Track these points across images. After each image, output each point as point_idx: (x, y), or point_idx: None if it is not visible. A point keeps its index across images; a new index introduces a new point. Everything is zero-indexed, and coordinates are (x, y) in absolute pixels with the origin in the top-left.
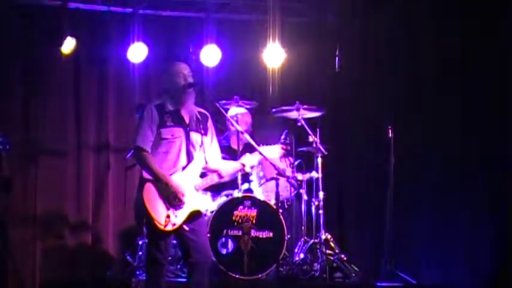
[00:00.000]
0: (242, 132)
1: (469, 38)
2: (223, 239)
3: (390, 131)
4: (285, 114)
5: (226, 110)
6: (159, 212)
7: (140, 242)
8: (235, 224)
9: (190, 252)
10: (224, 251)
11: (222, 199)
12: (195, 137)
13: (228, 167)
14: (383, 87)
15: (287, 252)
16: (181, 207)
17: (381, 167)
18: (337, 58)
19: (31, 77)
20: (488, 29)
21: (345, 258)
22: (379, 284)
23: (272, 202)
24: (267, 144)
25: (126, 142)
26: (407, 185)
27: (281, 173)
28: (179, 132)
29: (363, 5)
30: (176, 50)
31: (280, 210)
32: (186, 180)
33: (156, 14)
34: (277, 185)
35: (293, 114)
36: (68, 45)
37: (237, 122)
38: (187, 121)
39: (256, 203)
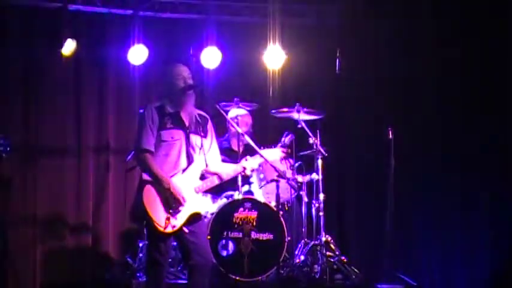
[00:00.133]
0: (243, 134)
1: (469, 38)
2: (224, 241)
3: (390, 132)
4: (285, 116)
5: (227, 112)
6: (159, 214)
7: (140, 244)
8: (236, 226)
9: (190, 254)
10: (224, 253)
11: (222, 201)
12: (195, 139)
13: (229, 170)
14: (383, 89)
15: (287, 254)
16: (180, 210)
17: (381, 169)
18: (337, 60)
19: (31, 78)
20: (488, 29)
21: (345, 260)
22: (379, 286)
23: (272, 204)
24: (267, 146)
25: (126, 144)
26: (408, 187)
27: (281, 175)
28: (179, 134)
29: (362, 7)
30: (176, 52)
31: (281, 212)
32: (186, 182)
33: (157, 16)
34: (277, 187)
35: (293, 116)
36: (68, 47)
37: (237, 123)
38: (187, 123)
39: (256, 205)
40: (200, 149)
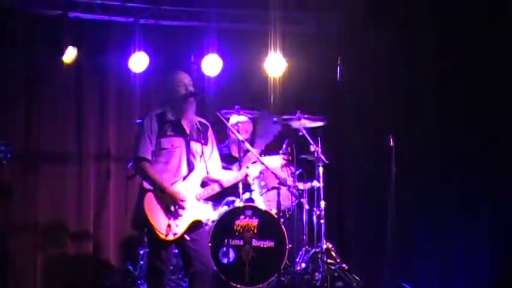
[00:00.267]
0: (243, 141)
1: (468, 49)
2: (225, 249)
3: (391, 140)
4: (286, 123)
5: (227, 119)
6: (160, 221)
7: (141, 252)
8: (237, 233)
9: (191, 262)
10: (225, 261)
11: (223, 208)
12: (196, 146)
13: (230, 177)
14: (384, 96)
15: (288, 261)
16: (181, 216)
17: (382, 176)
18: (338, 68)
19: (33, 85)
20: (487, 39)
21: (346, 268)
22: None
23: (273, 211)
24: (268, 153)
25: (127, 151)
26: (409, 194)
27: (282, 183)
28: (179, 142)
29: (362, 17)
30: (177, 60)
31: (282, 220)
32: (187, 190)
33: (157, 23)
34: (278, 195)
35: (294, 124)
36: (69, 54)
37: (238, 130)
38: (187, 131)
39: (257, 212)
40: (201, 156)
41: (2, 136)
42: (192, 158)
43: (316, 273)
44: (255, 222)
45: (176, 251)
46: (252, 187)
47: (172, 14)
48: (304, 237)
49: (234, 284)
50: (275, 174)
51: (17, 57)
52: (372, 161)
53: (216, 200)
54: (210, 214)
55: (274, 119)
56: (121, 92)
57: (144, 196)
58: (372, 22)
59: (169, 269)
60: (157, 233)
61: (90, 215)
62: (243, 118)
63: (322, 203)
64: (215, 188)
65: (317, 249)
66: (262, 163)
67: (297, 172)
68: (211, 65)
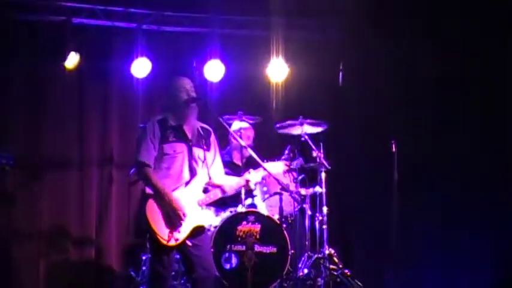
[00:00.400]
0: (245, 147)
1: (469, 54)
2: (227, 254)
3: (393, 145)
4: (288, 129)
5: (229, 125)
6: (162, 227)
7: (144, 257)
8: (239, 239)
9: (193, 268)
10: (228, 266)
11: (225, 214)
12: (198, 152)
13: (232, 183)
14: (386, 101)
15: (291, 267)
16: (181, 225)
17: (384, 182)
18: (340, 73)
19: (35, 91)
20: (488, 46)
21: (348, 273)
22: None
23: (276, 217)
24: (270, 159)
25: (129, 157)
26: (411, 200)
27: (285, 188)
28: (181, 147)
29: (365, 21)
30: (180, 65)
31: (284, 225)
32: (189, 195)
33: (160, 29)
34: (280, 200)
35: (297, 129)
36: (72, 60)
37: (240, 136)
38: (189, 136)
39: (259, 218)
40: (203, 162)
41: (5, 143)
42: (194, 164)
43: (319, 279)
44: (257, 227)
45: (178, 256)
46: (254, 193)
47: (175, 19)
48: (307, 242)
49: None
50: (277, 180)
51: (20, 62)
52: (374, 167)
53: (218, 205)
54: (212, 220)
55: (277, 125)
56: (123, 97)
57: (146, 202)
58: (374, 27)
59: (171, 275)
60: (159, 238)
61: (93, 221)
62: (245, 124)
63: (325, 209)
64: (217, 194)
65: (319, 255)
66: (264, 169)
67: (300, 177)
68: (214, 70)
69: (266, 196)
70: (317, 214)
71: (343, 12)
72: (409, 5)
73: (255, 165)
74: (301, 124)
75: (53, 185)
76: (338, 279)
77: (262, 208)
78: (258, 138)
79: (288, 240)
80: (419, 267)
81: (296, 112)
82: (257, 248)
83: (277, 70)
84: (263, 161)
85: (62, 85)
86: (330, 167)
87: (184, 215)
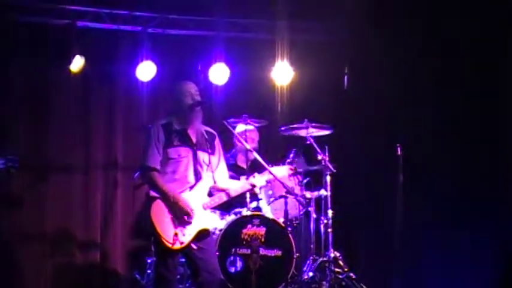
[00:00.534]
0: (251, 150)
1: (474, 56)
2: (232, 258)
3: (399, 149)
4: (293, 132)
5: (234, 128)
6: (167, 230)
7: (149, 260)
8: (244, 242)
9: (198, 271)
10: (233, 270)
11: (230, 217)
12: (203, 156)
13: (237, 187)
14: (392, 104)
15: (296, 270)
16: (190, 222)
17: (390, 185)
18: (345, 76)
19: (40, 95)
20: (491, 48)
21: (353, 277)
22: None
23: (281, 220)
24: (274, 163)
25: (134, 160)
26: (416, 203)
27: (290, 191)
28: (186, 151)
29: (370, 23)
30: (185, 69)
31: (289, 229)
32: (194, 199)
33: (165, 32)
34: (285, 203)
35: (302, 133)
36: (77, 63)
37: (245, 139)
38: (194, 140)
39: (264, 221)
40: (208, 166)
41: (10, 146)
42: (199, 168)
43: (324, 282)
44: (262, 231)
45: (183, 259)
46: (260, 196)
47: (180, 23)
48: (312, 246)
49: None
50: (282, 183)
51: (26, 65)
52: (379, 170)
53: (223, 209)
54: (217, 223)
55: (282, 128)
56: (128, 101)
57: (151, 205)
58: (379, 30)
59: (176, 278)
60: (164, 241)
61: (98, 224)
62: (249, 127)
63: (330, 212)
64: (222, 198)
65: (324, 258)
66: (270, 172)
67: (305, 181)
68: (219, 73)
69: (271, 199)
70: (322, 217)
71: (347, 15)
72: (412, 6)
73: (260, 168)
74: (307, 127)
75: (58, 188)
76: (343, 283)
77: (267, 211)
78: (263, 141)
79: (293, 243)
80: (425, 270)
81: (301, 115)
82: (262, 251)
83: (282, 73)
84: (268, 164)
85: (67, 88)
86: (335, 170)
87: (192, 210)
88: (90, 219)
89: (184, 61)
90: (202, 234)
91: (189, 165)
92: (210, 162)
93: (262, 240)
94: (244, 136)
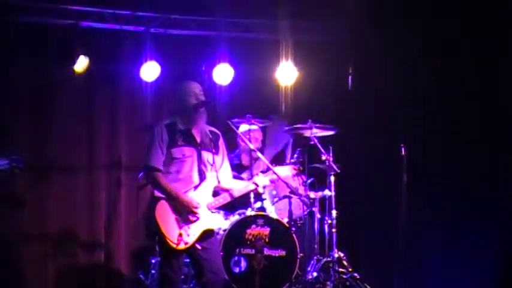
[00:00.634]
0: (254, 150)
1: (480, 57)
2: (236, 258)
3: (403, 149)
4: (297, 132)
5: (238, 128)
6: (172, 230)
7: (153, 261)
8: (248, 242)
9: (202, 271)
10: (237, 270)
11: (234, 217)
12: (207, 156)
13: (241, 187)
14: (395, 104)
15: (300, 270)
16: (195, 221)
17: (394, 186)
18: (349, 77)
19: (44, 95)
20: (491, 48)
21: (357, 277)
22: None
23: (285, 220)
24: (278, 163)
25: (138, 160)
26: (420, 204)
27: (294, 192)
28: (190, 151)
29: (373, 23)
30: (188, 69)
31: (293, 229)
32: (199, 199)
33: (168, 32)
34: (290, 204)
35: (306, 133)
36: (81, 63)
37: (249, 139)
38: (198, 140)
39: (269, 221)
40: (212, 165)
41: (14, 146)
42: (203, 168)
43: (328, 283)
44: (266, 231)
45: (188, 260)
46: (264, 196)
47: (183, 23)
48: (316, 246)
49: None
50: (286, 184)
51: (29, 66)
52: (383, 170)
53: (227, 209)
54: (221, 223)
55: (285, 127)
56: (132, 101)
57: (155, 205)
58: (380, 30)
59: (180, 278)
60: (169, 241)
61: (102, 225)
62: (253, 127)
63: (334, 212)
64: (226, 198)
65: (328, 259)
66: (274, 172)
67: (309, 181)
68: (223, 74)
69: (275, 199)
70: (326, 217)
71: (351, 15)
72: (412, 5)
73: (265, 170)
74: (311, 127)
75: (62, 188)
76: (347, 283)
77: (272, 211)
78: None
79: (297, 243)
80: (427, 270)
81: (305, 115)
82: (266, 252)
83: (286, 73)
84: (272, 164)
85: (70, 89)
86: (339, 171)
87: (197, 203)
88: (94, 220)
89: (188, 61)
90: (207, 235)
91: (193, 165)
92: (214, 162)
93: (267, 240)
94: (248, 136)
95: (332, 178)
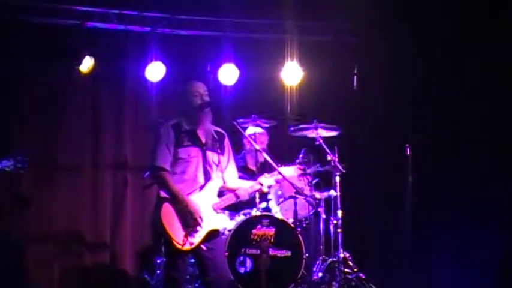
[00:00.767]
0: (260, 151)
1: (485, 57)
2: (242, 258)
3: (408, 149)
4: (303, 132)
5: (244, 129)
6: (177, 231)
7: (158, 261)
8: (253, 242)
9: (207, 271)
10: (242, 270)
11: (240, 218)
12: (212, 156)
13: (246, 187)
14: (400, 105)
15: (305, 271)
16: (198, 230)
17: (399, 186)
18: (354, 77)
19: (49, 95)
20: (503, 48)
21: (363, 277)
22: None
23: (290, 221)
24: (284, 164)
25: (143, 161)
26: (426, 204)
27: (299, 192)
28: (196, 152)
29: (379, 25)
30: (194, 69)
31: (298, 229)
32: (204, 199)
33: (174, 33)
34: (295, 204)
35: (311, 133)
36: (86, 64)
37: (254, 140)
38: (203, 140)
39: (274, 221)
40: (217, 166)
41: (19, 146)
42: (208, 168)
43: (333, 283)
44: (271, 231)
45: (193, 260)
46: (269, 196)
47: (189, 23)
48: (321, 246)
49: None
50: (292, 184)
51: (35, 66)
52: (388, 170)
53: (233, 209)
54: (226, 223)
55: (291, 129)
56: (138, 101)
57: (161, 205)
58: (388, 31)
59: (186, 278)
60: (174, 242)
61: (107, 225)
62: (259, 129)
63: (339, 212)
64: (232, 198)
65: (334, 259)
66: (279, 173)
67: (314, 181)
68: (228, 74)
69: (281, 200)
70: (331, 218)
71: (357, 16)
72: (421, 7)
73: (270, 170)
74: (316, 128)
75: (68, 188)
76: (353, 283)
77: (277, 212)
78: (272, 142)
79: (303, 244)
80: (435, 272)
81: (310, 116)
82: (271, 252)
83: (292, 73)
84: (277, 165)
85: (76, 89)
86: (344, 171)
87: (201, 218)
88: (99, 220)
89: (193, 61)
90: (212, 235)
91: (198, 166)
92: (219, 162)
93: (272, 240)
94: (253, 137)
95: (337, 178)
